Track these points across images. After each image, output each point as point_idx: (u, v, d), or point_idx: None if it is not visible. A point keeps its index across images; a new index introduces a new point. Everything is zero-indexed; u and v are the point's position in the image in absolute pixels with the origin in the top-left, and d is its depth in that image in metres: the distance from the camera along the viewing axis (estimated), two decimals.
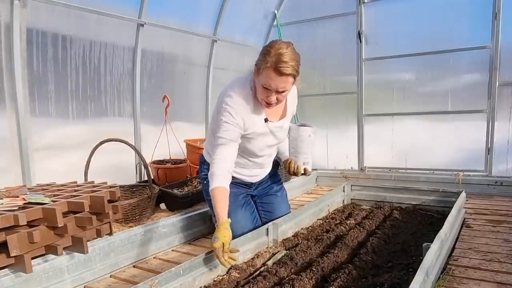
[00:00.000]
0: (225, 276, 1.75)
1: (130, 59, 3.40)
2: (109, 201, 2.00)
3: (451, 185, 3.66)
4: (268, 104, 1.89)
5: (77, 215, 1.81)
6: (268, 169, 2.36)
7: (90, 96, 3.13)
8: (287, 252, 2.00)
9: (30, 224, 1.66)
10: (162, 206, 3.04)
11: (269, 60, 1.75)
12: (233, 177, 2.20)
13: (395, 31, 4.12)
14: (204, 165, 2.28)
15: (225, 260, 1.65)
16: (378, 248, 2.06)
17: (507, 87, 3.61)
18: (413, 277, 1.36)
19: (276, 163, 2.45)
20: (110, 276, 1.98)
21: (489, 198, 3.42)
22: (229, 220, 1.77)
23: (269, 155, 2.26)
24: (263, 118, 2.01)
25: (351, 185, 3.24)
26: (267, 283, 1.64)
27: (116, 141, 2.71)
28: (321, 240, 2.15)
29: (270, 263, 1.91)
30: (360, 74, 4.29)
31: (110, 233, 2.04)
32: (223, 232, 1.69)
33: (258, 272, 1.81)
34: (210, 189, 1.83)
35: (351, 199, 3.21)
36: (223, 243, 1.66)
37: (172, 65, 3.87)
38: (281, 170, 2.55)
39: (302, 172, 2.17)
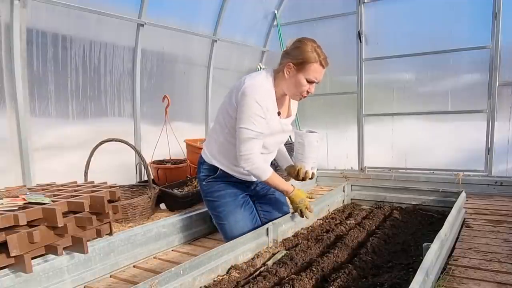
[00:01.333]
0: (225, 276, 1.75)
1: (130, 59, 3.40)
2: (109, 201, 2.00)
3: (451, 185, 3.66)
4: (302, 97, 2.08)
5: (77, 215, 1.81)
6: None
7: (90, 96, 3.13)
8: (287, 252, 2.00)
9: (30, 224, 1.65)
10: (162, 206, 3.04)
11: (313, 56, 1.95)
12: (232, 175, 2.21)
13: (395, 31, 4.12)
14: (203, 166, 2.27)
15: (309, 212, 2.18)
16: (378, 248, 2.05)
17: (507, 87, 3.61)
18: (413, 277, 1.36)
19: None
20: (110, 276, 1.98)
21: (489, 198, 3.42)
22: (294, 186, 2.15)
23: (273, 154, 2.30)
24: (277, 112, 2.09)
25: (351, 185, 3.24)
26: (267, 283, 1.64)
27: (116, 141, 2.71)
28: (321, 240, 2.15)
29: (270, 263, 1.91)
30: (360, 74, 4.29)
31: (110, 233, 2.04)
32: (299, 194, 2.15)
33: (258, 272, 1.81)
34: (266, 178, 2.05)
35: (351, 199, 3.21)
36: (306, 204, 2.15)
37: (172, 65, 3.87)
38: (279, 171, 2.55)
39: (310, 176, 2.24)
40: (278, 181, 2.11)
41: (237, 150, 2.02)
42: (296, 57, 1.97)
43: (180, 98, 3.93)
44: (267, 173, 2.05)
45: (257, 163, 2.01)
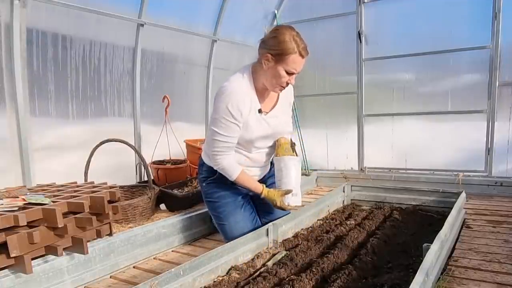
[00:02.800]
0: (225, 276, 1.75)
1: (130, 59, 3.40)
2: (109, 202, 1.99)
3: (451, 185, 3.66)
4: (282, 88, 2.01)
5: (77, 215, 1.81)
6: (266, 169, 2.36)
7: (90, 96, 3.13)
8: (287, 253, 2.00)
9: (30, 225, 1.65)
10: (162, 206, 3.03)
11: (292, 47, 1.85)
12: None
13: (395, 31, 4.12)
14: (203, 167, 2.27)
15: (288, 206, 2.15)
16: (378, 249, 2.05)
17: (507, 87, 3.61)
18: (413, 278, 1.36)
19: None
20: (110, 277, 1.98)
21: (489, 198, 3.42)
22: (263, 185, 2.16)
23: (266, 152, 2.23)
24: (257, 109, 2.03)
25: (351, 186, 3.24)
26: (267, 284, 1.64)
27: (116, 141, 2.71)
28: (321, 241, 2.15)
29: (270, 263, 1.91)
30: (360, 74, 4.29)
31: (110, 234, 2.04)
32: (272, 193, 2.13)
33: (258, 272, 1.81)
34: (234, 177, 2.06)
35: (351, 200, 3.21)
36: (280, 200, 2.11)
37: (172, 65, 3.87)
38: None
39: (289, 206, 2.16)
40: (247, 182, 2.12)
41: (209, 148, 2.07)
42: (273, 48, 1.87)
43: (180, 98, 3.93)
44: (234, 174, 2.07)
45: (223, 164, 2.05)
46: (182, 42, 3.89)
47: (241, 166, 2.10)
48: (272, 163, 2.39)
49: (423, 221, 2.63)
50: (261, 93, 2.06)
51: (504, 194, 3.50)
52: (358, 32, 4.23)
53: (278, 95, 2.15)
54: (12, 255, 1.54)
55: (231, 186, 2.24)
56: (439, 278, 1.73)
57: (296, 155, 2.21)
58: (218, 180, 2.22)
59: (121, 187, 2.81)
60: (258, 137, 2.09)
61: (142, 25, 3.35)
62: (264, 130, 2.09)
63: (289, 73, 1.92)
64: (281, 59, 1.88)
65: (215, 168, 2.11)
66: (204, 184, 2.28)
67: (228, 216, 2.21)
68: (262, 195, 2.14)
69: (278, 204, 2.14)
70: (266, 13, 4.68)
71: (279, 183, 2.20)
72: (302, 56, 1.90)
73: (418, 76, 4.06)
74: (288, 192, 2.14)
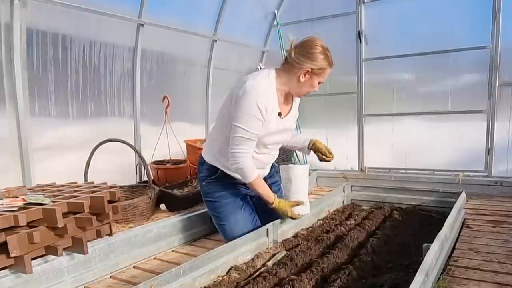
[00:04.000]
0: (225, 277, 1.75)
1: (130, 59, 3.40)
2: (109, 202, 1.99)
3: (451, 185, 3.65)
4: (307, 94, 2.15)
5: (77, 215, 1.81)
6: (267, 170, 2.37)
7: (90, 96, 3.13)
8: (287, 253, 2.00)
9: (30, 225, 1.65)
10: (162, 206, 3.04)
11: (328, 61, 2.02)
12: (232, 177, 2.21)
13: (395, 31, 4.12)
14: (203, 166, 2.27)
15: (298, 216, 2.17)
16: (378, 249, 2.05)
17: (507, 87, 3.61)
18: (413, 278, 1.36)
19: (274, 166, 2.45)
20: (110, 277, 1.98)
21: (489, 198, 3.42)
22: (276, 194, 2.14)
23: (272, 155, 2.27)
24: (277, 112, 2.08)
25: (351, 186, 3.24)
26: (267, 284, 1.64)
27: (116, 141, 2.71)
28: (321, 241, 2.15)
29: (270, 263, 1.91)
30: (360, 74, 4.29)
31: (110, 234, 2.04)
32: (283, 204, 2.12)
33: (258, 272, 1.81)
34: (251, 180, 2.03)
35: (351, 200, 3.21)
36: (291, 210, 2.12)
37: (172, 65, 3.87)
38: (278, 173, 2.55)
39: (297, 217, 2.18)
40: (261, 188, 2.09)
41: (229, 145, 2.02)
42: (314, 63, 1.99)
43: (180, 98, 3.93)
44: (252, 176, 2.04)
45: (243, 164, 2.01)
46: (182, 42, 3.90)
47: (257, 171, 2.09)
48: (273, 165, 2.40)
49: (423, 221, 2.63)
50: (281, 99, 2.12)
51: (504, 194, 3.50)
52: (358, 32, 4.23)
53: (292, 101, 2.22)
54: (12, 255, 1.54)
55: (231, 186, 2.24)
56: (439, 278, 1.73)
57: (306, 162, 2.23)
58: (218, 179, 2.22)
59: (121, 187, 2.81)
60: (273, 139, 2.13)
61: (142, 25, 3.35)
62: (279, 132, 2.14)
63: (320, 83, 2.09)
64: (318, 72, 2.03)
65: (232, 167, 2.06)
66: (204, 184, 2.27)
67: (228, 216, 2.21)
68: (273, 205, 2.11)
69: (289, 214, 2.14)
70: (266, 13, 4.68)
71: (288, 193, 2.20)
72: (331, 67, 2.07)
73: (418, 76, 4.07)
74: (299, 203, 2.16)
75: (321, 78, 2.06)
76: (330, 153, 2.33)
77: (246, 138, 1.97)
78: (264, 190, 2.10)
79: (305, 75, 2.02)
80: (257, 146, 2.11)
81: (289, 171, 2.18)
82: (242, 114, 1.94)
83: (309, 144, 2.36)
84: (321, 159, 2.35)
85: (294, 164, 2.22)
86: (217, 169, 2.21)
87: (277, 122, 2.09)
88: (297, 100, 2.27)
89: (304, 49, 2.01)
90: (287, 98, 2.18)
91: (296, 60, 2.00)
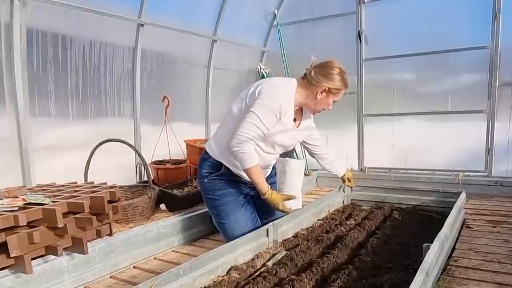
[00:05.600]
0: (225, 276, 1.75)
1: (130, 59, 3.40)
2: (109, 202, 1.99)
3: (451, 185, 3.65)
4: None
5: (77, 215, 1.81)
6: (269, 171, 2.39)
7: (90, 96, 3.13)
8: (287, 253, 2.00)
9: (30, 225, 1.65)
10: (162, 206, 3.04)
11: (345, 83, 2.17)
12: (235, 175, 2.21)
13: (395, 31, 4.12)
14: (206, 162, 2.26)
15: (289, 210, 2.19)
16: (378, 249, 2.05)
17: (507, 87, 3.61)
18: (413, 278, 1.36)
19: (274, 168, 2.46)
20: (110, 277, 1.98)
21: (489, 198, 3.42)
22: (270, 186, 2.14)
23: (277, 157, 2.34)
24: (293, 118, 2.19)
25: None
26: (267, 284, 1.64)
27: (116, 141, 2.71)
28: (321, 241, 2.15)
29: (270, 263, 1.91)
30: (360, 74, 4.29)
31: (110, 234, 2.04)
32: (275, 196, 2.12)
33: (258, 272, 1.81)
34: (249, 166, 2.03)
35: (351, 200, 3.21)
36: (282, 204, 2.13)
37: (172, 65, 3.87)
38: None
39: (288, 211, 2.21)
40: (258, 177, 2.08)
41: (238, 127, 2.03)
42: (331, 83, 2.12)
43: (180, 98, 3.93)
44: (251, 163, 2.03)
45: (245, 149, 2.01)
46: (182, 42, 3.90)
47: (258, 161, 2.11)
48: (273, 167, 2.40)
49: (423, 221, 2.63)
50: (294, 108, 2.20)
51: (504, 194, 3.50)
52: (358, 32, 4.23)
53: (302, 117, 2.33)
54: (12, 255, 1.54)
55: (233, 184, 2.25)
56: (439, 278, 1.73)
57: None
58: (221, 177, 2.22)
59: (121, 187, 2.80)
60: (283, 140, 2.19)
61: (142, 25, 3.35)
62: (290, 138, 2.23)
63: (334, 101, 2.22)
64: (334, 92, 2.16)
65: (232, 150, 2.03)
66: (206, 180, 2.25)
67: (229, 215, 2.21)
68: (265, 196, 2.11)
69: (280, 208, 2.15)
70: (266, 13, 4.68)
71: (281, 186, 2.21)
72: (347, 89, 2.23)
73: (418, 76, 4.07)
74: (291, 197, 2.18)
75: (336, 98, 2.20)
76: (351, 181, 2.73)
77: (257, 126, 2.01)
78: (259, 179, 2.10)
79: (322, 93, 2.14)
80: (265, 143, 2.15)
81: (285, 165, 2.20)
82: (263, 105, 2.01)
83: (344, 175, 2.69)
84: (343, 182, 2.75)
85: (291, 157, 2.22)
86: (221, 165, 2.21)
87: (293, 128, 2.20)
88: (307, 119, 2.37)
89: (323, 69, 2.14)
90: (299, 111, 2.29)
91: (315, 78, 2.12)
